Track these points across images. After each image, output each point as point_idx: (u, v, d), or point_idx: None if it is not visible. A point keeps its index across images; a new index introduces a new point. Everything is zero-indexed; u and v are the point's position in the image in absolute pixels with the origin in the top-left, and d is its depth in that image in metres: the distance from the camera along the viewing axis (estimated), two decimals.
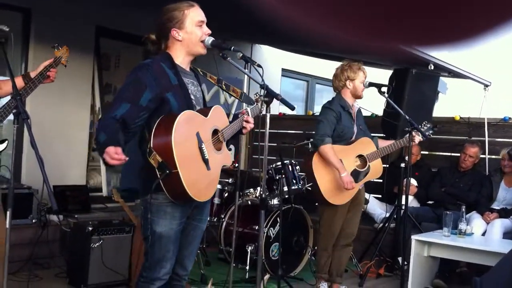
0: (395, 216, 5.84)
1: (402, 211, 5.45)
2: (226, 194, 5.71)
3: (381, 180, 6.69)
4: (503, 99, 8.66)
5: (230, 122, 3.15)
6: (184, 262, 3.02)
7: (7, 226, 3.07)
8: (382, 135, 6.10)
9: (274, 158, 5.64)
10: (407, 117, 4.77)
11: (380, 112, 6.47)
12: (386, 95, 4.92)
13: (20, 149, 5.71)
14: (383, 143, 4.79)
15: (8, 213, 3.05)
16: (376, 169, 4.72)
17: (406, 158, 5.13)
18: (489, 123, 6.49)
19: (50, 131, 5.94)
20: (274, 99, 3.08)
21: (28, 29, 5.90)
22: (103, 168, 6.65)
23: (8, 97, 3.40)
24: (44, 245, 5.08)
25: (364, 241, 6.05)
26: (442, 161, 6.72)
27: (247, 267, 5.16)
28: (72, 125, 6.27)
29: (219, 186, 5.58)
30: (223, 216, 5.64)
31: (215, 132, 3.00)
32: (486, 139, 6.45)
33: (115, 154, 2.52)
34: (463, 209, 5.21)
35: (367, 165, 4.65)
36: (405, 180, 5.14)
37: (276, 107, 8.16)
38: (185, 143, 2.73)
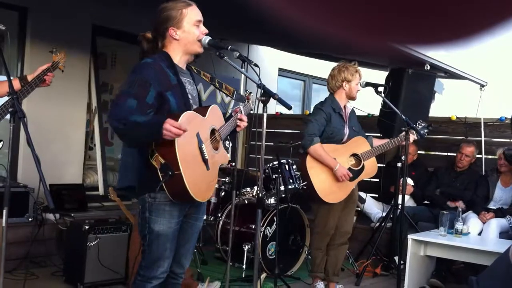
0: (391, 216, 5.86)
1: (398, 210, 5.47)
2: (222, 193, 5.71)
3: (377, 180, 6.71)
4: (500, 99, 8.68)
5: (226, 121, 3.16)
6: (181, 260, 3.03)
7: (4, 224, 3.07)
8: (378, 134, 6.12)
9: (271, 157, 5.64)
10: (404, 117, 4.78)
11: (376, 112, 6.48)
12: (383, 95, 4.93)
13: (16, 147, 5.71)
14: (377, 143, 4.81)
15: (4, 211, 3.04)
16: (370, 168, 4.74)
17: (403, 157, 5.14)
18: (485, 123, 6.51)
19: (47, 130, 5.94)
20: (271, 99, 3.08)
21: (25, 28, 5.89)
22: (99, 166, 6.64)
23: (5, 98, 3.40)
24: (40, 243, 5.07)
25: (361, 241, 6.06)
26: (439, 161, 6.73)
27: (244, 266, 5.16)
28: (68, 124, 6.26)
29: (215, 185, 5.58)
30: (219, 215, 5.65)
31: (213, 131, 3.01)
32: (483, 139, 6.46)
33: (174, 124, 2.57)
34: (460, 209, 5.22)
35: (362, 164, 4.67)
36: (401, 179, 5.15)
37: (273, 107, 8.17)
38: (187, 144, 2.74)
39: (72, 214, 5.38)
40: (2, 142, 3.67)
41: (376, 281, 5.55)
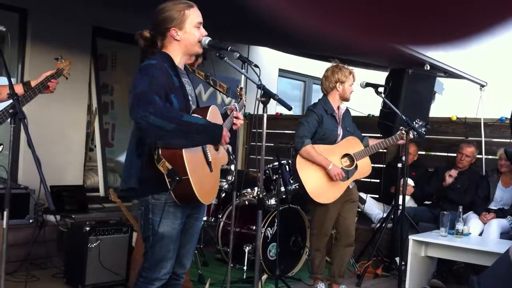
0: (392, 216, 5.85)
1: (399, 211, 5.46)
2: (223, 194, 5.70)
3: (378, 180, 6.71)
4: (500, 99, 8.68)
5: (223, 120, 3.17)
6: (182, 260, 3.03)
7: (4, 226, 3.07)
8: (378, 135, 6.11)
9: (271, 158, 5.64)
10: (404, 117, 4.78)
11: (377, 113, 6.48)
12: (383, 95, 4.93)
13: (17, 149, 5.70)
14: (373, 142, 4.81)
15: (5, 213, 3.04)
16: (364, 167, 4.74)
17: (403, 158, 5.14)
18: (485, 123, 6.50)
19: (47, 131, 5.93)
20: (271, 99, 3.08)
21: (25, 29, 5.89)
22: (100, 168, 6.64)
23: (7, 102, 3.39)
24: (41, 245, 5.07)
25: (362, 241, 6.06)
26: (439, 161, 6.73)
27: (245, 267, 5.16)
28: (69, 125, 6.26)
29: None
30: (220, 216, 5.64)
31: None
32: (483, 139, 6.46)
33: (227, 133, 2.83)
34: (460, 209, 5.22)
35: (354, 164, 4.67)
36: (402, 180, 5.15)
37: (273, 107, 8.17)
38: (192, 149, 2.75)
39: (73, 216, 5.38)
40: (2, 146, 3.67)
41: (377, 282, 5.55)
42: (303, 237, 5.53)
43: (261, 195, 3.29)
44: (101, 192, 6.56)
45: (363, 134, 4.96)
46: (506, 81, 10.25)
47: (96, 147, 6.71)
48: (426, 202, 6.37)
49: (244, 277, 5.11)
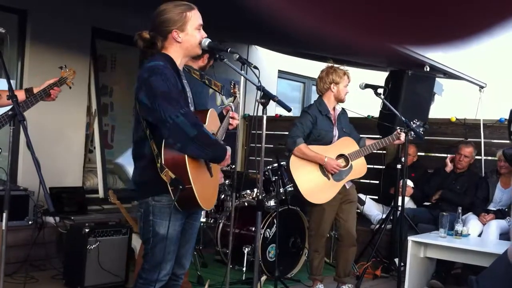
0: (391, 217, 5.85)
1: (398, 212, 5.46)
2: (222, 196, 5.70)
3: (377, 182, 6.71)
4: (499, 100, 8.68)
5: (220, 122, 3.18)
6: (182, 261, 3.03)
7: (4, 227, 3.07)
8: (377, 136, 6.11)
9: (271, 159, 5.64)
10: (403, 119, 4.78)
11: (376, 114, 6.48)
12: (382, 96, 4.94)
13: (16, 150, 5.70)
14: (370, 143, 4.81)
15: (4, 214, 3.04)
16: (359, 168, 4.75)
17: (402, 159, 5.14)
18: (484, 124, 6.51)
19: (47, 133, 5.93)
20: (271, 101, 3.08)
21: (24, 31, 5.89)
22: (99, 169, 6.63)
23: (9, 107, 3.39)
24: (40, 246, 5.06)
25: (361, 243, 6.04)
26: (438, 162, 6.73)
27: (244, 269, 5.16)
28: (68, 127, 6.26)
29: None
30: (219, 217, 5.64)
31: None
32: (482, 140, 6.46)
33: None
34: (460, 211, 5.22)
35: (349, 164, 4.68)
36: (401, 181, 5.15)
37: (273, 109, 8.17)
38: (194, 157, 2.76)
39: (72, 217, 5.38)
40: (0, 150, 3.67)
41: (376, 283, 5.55)
42: (302, 238, 5.53)
43: (260, 196, 3.30)
44: (101, 194, 6.56)
45: (361, 135, 4.97)
46: (505, 82, 10.26)
47: (96, 149, 6.70)
48: (425, 203, 6.38)
49: (243, 278, 5.11)
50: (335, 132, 4.72)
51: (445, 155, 6.58)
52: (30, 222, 5.09)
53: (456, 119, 6.71)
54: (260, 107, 3.12)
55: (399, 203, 5.18)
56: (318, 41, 4.73)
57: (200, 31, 2.90)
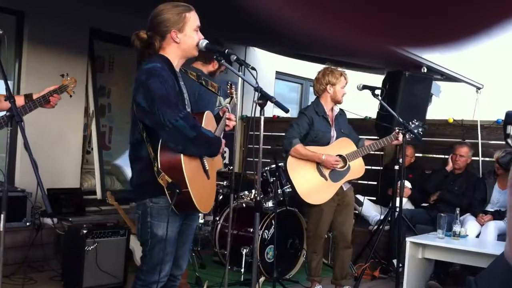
0: (389, 218, 5.86)
1: (396, 213, 5.47)
2: (220, 197, 5.70)
3: (375, 183, 6.72)
4: (496, 101, 8.70)
5: (216, 123, 3.18)
6: (179, 262, 3.03)
7: (1, 229, 3.06)
8: (375, 137, 6.12)
9: (269, 160, 5.64)
10: (401, 120, 4.79)
11: (374, 115, 6.49)
12: (380, 97, 4.94)
13: (13, 151, 5.68)
14: (368, 144, 4.82)
15: (2, 216, 3.04)
16: (357, 168, 4.75)
17: (400, 160, 5.15)
18: (482, 125, 6.51)
19: (44, 134, 5.92)
20: (268, 102, 3.09)
21: (22, 32, 5.89)
22: (97, 171, 6.62)
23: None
24: (38, 248, 5.06)
25: (359, 244, 6.05)
26: (436, 164, 6.74)
27: (242, 270, 5.16)
28: (66, 128, 6.25)
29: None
30: (217, 219, 5.64)
31: None
32: (480, 141, 6.47)
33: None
34: (457, 211, 5.22)
35: (347, 165, 4.68)
36: (399, 182, 5.16)
37: (270, 110, 8.17)
38: (190, 160, 2.76)
39: (70, 219, 5.37)
40: None
41: (375, 284, 5.55)
42: (300, 239, 5.53)
43: (258, 198, 3.30)
44: (98, 195, 6.55)
45: (360, 136, 4.97)
46: (502, 83, 10.29)
47: (93, 150, 6.70)
48: (423, 204, 6.38)
49: (242, 280, 5.11)
50: (333, 133, 4.72)
51: (443, 156, 6.59)
52: (27, 224, 5.08)
53: (454, 120, 6.72)
54: (258, 108, 3.12)
55: (397, 204, 5.19)
56: (315, 42, 4.73)
57: (197, 33, 2.90)
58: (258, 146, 3.24)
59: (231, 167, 5.30)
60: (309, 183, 4.59)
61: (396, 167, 5.43)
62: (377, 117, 6.22)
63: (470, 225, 5.61)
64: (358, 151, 4.71)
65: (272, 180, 5.36)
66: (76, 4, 6.02)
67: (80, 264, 4.49)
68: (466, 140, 6.44)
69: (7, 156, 3.28)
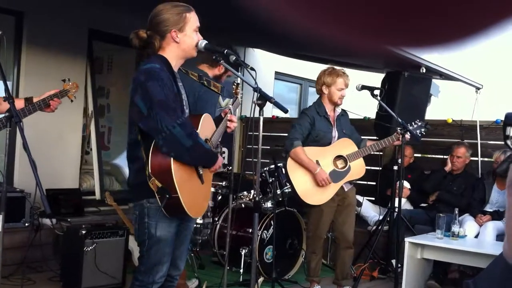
0: (388, 219, 5.86)
1: (395, 213, 5.47)
2: (219, 197, 5.70)
3: (374, 183, 6.72)
4: (495, 101, 8.70)
5: (216, 124, 3.16)
6: (176, 262, 3.03)
7: (0, 229, 3.06)
8: (374, 137, 6.12)
9: (268, 161, 5.64)
10: (400, 120, 4.79)
11: (373, 115, 6.49)
12: (379, 98, 4.94)
13: (12, 152, 5.68)
14: (370, 144, 4.82)
15: (0, 216, 3.03)
16: (357, 169, 4.75)
17: (399, 160, 5.15)
18: (481, 125, 6.51)
19: (43, 134, 5.92)
20: (268, 102, 3.09)
21: (21, 33, 5.88)
22: (96, 171, 6.62)
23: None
24: (37, 248, 5.05)
25: (358, 244, 6.04)
26: (435, 164, 6.74)
27: (241, 270, 5.16)
28: (65, 128, 6.25)
29: (212, 189, 5.57)
30: (216, 219, 5.64)
31: (205, 141, 3.01)
32: (479, 141, 6.47)
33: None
34: (456, 212, 5.23)
35: (347, 165, 4.68)
36: (398, 182, 5.16)
37: (270, 110, 8.17)
38: (182, 166, 2.75)
39: (69, 219, 5.36)
40: None
41: (374, 284, 5.55)
42: (299, 239, 5.53)
43: (257, 198, 3.29)
44: (97, 195, 6.55)
45: (362, 137, 4.97)
46: (501, 83, 10.30)
47: (92, 150, 6.69)
48: (422, 205, 6.38)
49: (241, 280, 5.11)
50: (335, 133, 4.72)
51: (442, 156, 6.59)
52: (26, 224, 5.08)
53: (453, 120, 6.72)
54: (257, 108, 3.12)
55: (396, 204, 5.19)
56: (314, 42, 4.74)
57: (197, 33, 2.90)
58: (257, 147, 3.24)
59: (230, 168, 5.30)
60: (308, 183, 4.60)
61: (395, 168, 5.43)
62: (376, 117, 6.22)
63: (469, 225, 5.61)
64: (359, 152, 4.72)
65: (271, 180, 5.36)
66: (75, 4, 6.01)
67: (79, 265, 4.49)
68: (465, 141, 6.44)
69: (6, 156, 3.29)
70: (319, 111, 4.69)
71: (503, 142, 6.29)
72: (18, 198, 5.09)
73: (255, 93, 3.07)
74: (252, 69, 3.07)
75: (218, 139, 3.16)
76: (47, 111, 3.71)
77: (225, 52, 2.99)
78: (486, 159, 6.46)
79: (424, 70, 6.17)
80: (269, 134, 7.74)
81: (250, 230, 5.26)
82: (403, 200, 5.88)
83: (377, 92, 4.96)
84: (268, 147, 7.24)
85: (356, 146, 4.77)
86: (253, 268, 3.29)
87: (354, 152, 4.71)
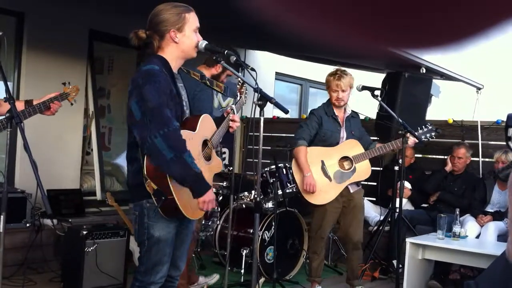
0: (389, 219, 5.86)
1: (396, 214, 5.47)
2: (220, 198, 5.70)
3: (375, 183, 6.71)
4: (496, 102, 8.70)
5: (218, 124, 3.16)
6: (177, 262, 3.02)
7: (1, 230, 3.06)
8: (375, 138, 6.12)
9: (268, 161, 5.64)
10: (400, 120, 4.79)
11: (373, 116, 6.49)
12: (379, 98, 4.94)
13: (13, 152, 5.68)
14: (378, 146, 4.83)
15: (1, 217, 3.03)
16: (363, 171, 4.75)
17: (400, 161, 5.14)
18: (482, 126, 6.51)
19: (44, 135, 5.92)
20: (268, 103, 3.08)
21: (22, 33, 5.88)
22: (97, 171, 6.62)
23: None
24: (38, 249, 5.06)
25: None
26: (436, 164, 6.73)
27: (242, 271, 5.15)
28: (65, 129, 6.25)
29: (213, 190, 5.56)
30: (217, 220, 5.64)
31: (205, 142, 3.01)
32: (480, 142, 6.46)
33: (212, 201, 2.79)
34: (457, 212, 5.22)
35: (353, 167, 4.68)
36: (399, 183, 5.15)
37: (270, 111, 8.17)
38: None
39: (70, 220, 5.37)
40: None
41: (375, 285, 5.55)
42: (300, 240, 5.53)
43: (258, 198, 3.29)
44: (98, 196, 6.55)
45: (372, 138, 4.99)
46: (502, 84, 10.29)
47: (93, 151, 6.69)
48: (423, 205, 6.38)
49: (242, 281, 5.10)
50: (343, 133, 4.75)
51: (442, 156, 6.59)
52: (27, 225, 5.08)
53: (453, 120, 6.72)
54: (258, 109, 3.11)
55: (397, 204, 5.18)
56: (315, 44, 4.75)
57: (197, 34, 2.90)
58: (257, 147, 3.24)
59: (231, 168, 5.30)
60: None
61: (396, 168, 5.43)
62: (377, 118, 6.22)
63: (470, 225, 5.61)
64: (365, 154, 4.73)
65: (272, 181, 5.36)
66: (76, 5, 6.01)
67: (80, 265, 4.49)
68: (466, 141, 6.44)
69: (7, 157, 3.28)
70: (327, 111, 4.75)
71: (504, 143, 6.30)
72: (19, 198, 5.09)
73: (256, 94, 3.07)
74: (253, 69, 3.07)
75: (219, 140, 3.15)
76: (47, 114, 3.71)
77: (225, 52, 2.98)
78: (487, 159, 6.45)
79: (424, 71, 6.17)
80: (270, 134, 7.74)
81: (251, 231, 5.26)
82: (404, 201, 5.88)
83: (377, 92, 4.96)
84: (269, 148, 7.23)
85: (366, 148, 4.78)
86: (254, 269, 3.29)
87: (360, 153, 4.72)
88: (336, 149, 4.70)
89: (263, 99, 3.06)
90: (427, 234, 5.48)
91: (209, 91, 3.99)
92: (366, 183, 6.65)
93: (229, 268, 4.58)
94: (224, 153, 7.08)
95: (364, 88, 4.88)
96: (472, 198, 5.97)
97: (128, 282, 4.69)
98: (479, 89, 6.84)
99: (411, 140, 4.79)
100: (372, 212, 6.48)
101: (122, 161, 7.29)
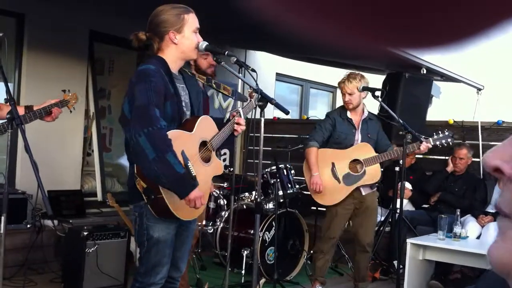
0: (390, 220, 5.86)
1: (397, 214, 5.47)
2: (220, 200, 5.69)
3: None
4: (497, 102, 8.70)
5: (223, 126, 3.15)
6: (177, 263, 3.02)
7: (2, 231, 3.06)
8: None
9: (269, 162, 5.65)
10: (401, 121, 4.79)
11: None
12: (380, 99, 4.94)
13: (14, 154, 5.69)
14: (394, 149, 4.84)
15: (2, 218, 3.04)
16: (372, 174, 4.76)
17: (401, 161, 5.14)
18: (482, 126, 6.50)
19: (44, 136, 5.92)
20: (269, 104, 3.09)
21: (22, 34, 5.89)
22: (97, 172, 6.63)
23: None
24: (38, 250, 5.06)
25: None
26: (437, 165, 6.73)
27: (243, 271, 5.15)
28: (66, 130, 6.25)
29: (216, 191, 5.56)
30: (218, 220, 5.63)
31: (204, 143, 2.99)
32: (480, 142, 6.46)
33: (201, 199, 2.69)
34: (458, 213, 5.22)
35: (363, 170, 4.69)
36: (399, 183, 5.15)
37: (271, 112, 8.17)
38: None
39: (71, 221, 5.37)
40: None
41: (375, 285, 5.55)
42: (301, 241, 5.53)
43: (259, 199, 3.30)
44: (99, 197, 6.55)
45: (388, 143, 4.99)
46: (503, 84, 10.28)
47: (94, 152, 6.70)
48: (424, 206, 6.38)
49: (242, 281, 5.10)
50: (357, 136, 4.75)
51: (443, 157, 6.58)
52: (28, 226, 5.08)
53: (454, 121, 6.71)
54: (258, 110, 3.12)
55: (398, 205, 5.18)
56: (314, 44, 4.75)
57: (197, 35, 2.90)
58: (258, 148, 3.24)
59: (232, 169, 5.30)
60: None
61: (397, 169, 5.43)
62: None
63: (470, 226, 5.61)
64: (376, 157, 4.72)
65: (272, 181, 5.36)
66: (76, 6, 6.02)
67: (80, 266, 4.49)
68: (467, 142, 6.43)
69: (7, 158, 3.29)
70: (342, 114, 4.79)
71: None
72: (20, 199, 5.10)
73: (256, 95, 3.07)
74: (253, 70, 3.08)
75: (219, 142, 3.13)
76: (47, 120, 3.71)
77: (226, 53, 2.99)
78: None
79: (425, 71, 6.17)
80: (270, 135, 7.74)
81: (252, 231, 5.26)
82: (405, 201, 5.88)
83: (378, 93, 4.96)
84: (269, 148, 7.24)
85: (384, 151, 4.78)
86: (255, 269, 3.29)
87: (371, 157, 4.72)
88: (348, 151, 4.72)
89: (264, 100, 3.06)
90: (427, 234, 5.47)
91: (199, 91, 3.96)
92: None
93: (229, 269, 4.58)
94: (225, 154, 7.09)
95: (364, 88, 4.88)
96: (473, 199, 5.97)
97: (128, 283, 4.69)
98: (479, 89, 6.84)
99: (424, 146, 4.76)
100: None
101: (125, 161, 7.30)
